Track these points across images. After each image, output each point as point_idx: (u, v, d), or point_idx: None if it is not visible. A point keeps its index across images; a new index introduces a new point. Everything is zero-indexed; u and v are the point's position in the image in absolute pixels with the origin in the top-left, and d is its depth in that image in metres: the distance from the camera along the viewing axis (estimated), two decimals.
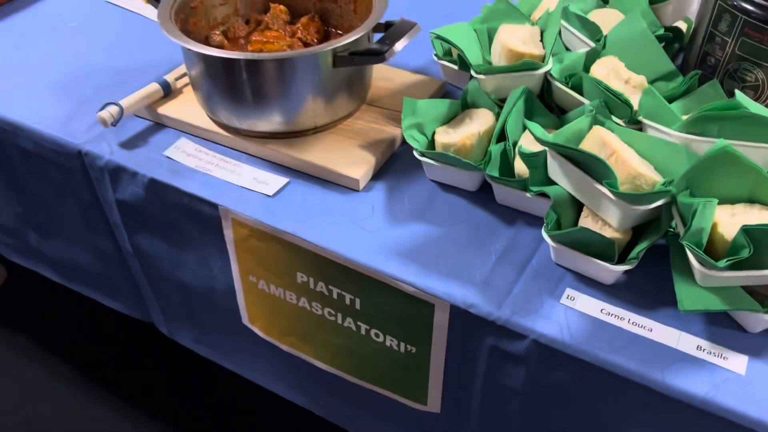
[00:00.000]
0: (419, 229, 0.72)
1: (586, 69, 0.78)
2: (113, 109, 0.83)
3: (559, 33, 0.85)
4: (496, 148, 0.72)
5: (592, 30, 0.81)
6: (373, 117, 0.84)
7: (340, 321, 0.77)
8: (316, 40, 0.88)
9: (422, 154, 0.76)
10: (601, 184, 0.61)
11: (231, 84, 0.77)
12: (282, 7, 0.91)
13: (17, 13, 1.11)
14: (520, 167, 0.71)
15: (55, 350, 1.50)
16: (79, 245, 1.01)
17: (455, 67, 0.88)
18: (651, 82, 0.76)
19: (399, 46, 0.74)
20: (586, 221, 0.66)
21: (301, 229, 0.73)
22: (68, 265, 1.07)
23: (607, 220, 0.64)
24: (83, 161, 0.85)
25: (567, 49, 0.86)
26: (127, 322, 1.08)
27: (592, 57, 0.78)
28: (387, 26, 0.79)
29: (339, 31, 0.92)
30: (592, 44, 0.80)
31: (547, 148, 0.66)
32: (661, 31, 0.83)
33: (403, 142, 0.83)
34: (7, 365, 1.45)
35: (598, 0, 0.89)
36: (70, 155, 0.86)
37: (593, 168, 0.62)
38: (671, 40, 0.86)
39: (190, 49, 0.74)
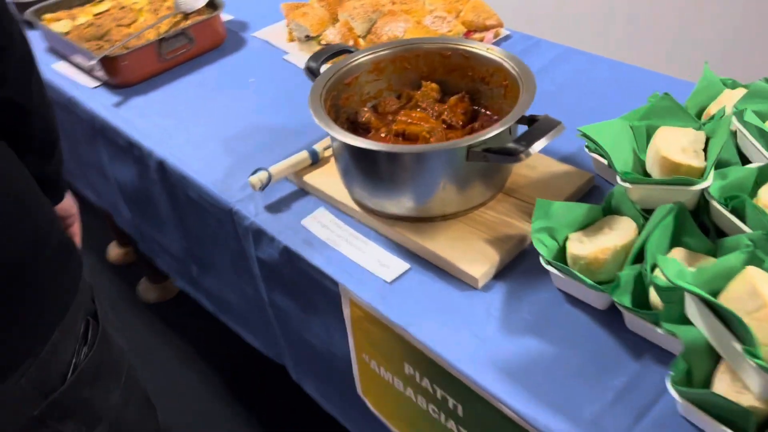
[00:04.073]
0: (533, 345, 0.68)
1: (756, 187, 0.68)
2: (263, 175, 0.88)
3: (734, 134, 0.76)
4: (628, 273, 0.65)
5: None
6: (506, 208, 0.81)
7: (443, 421, 0.75)
8: (461, 122, 0.87)
9: (548, 263, 0.71)
10: (741, 344, 0.53)
11: (366, 167, 0.78)
12: (434, 84, 0.91)
13: (207, 66, 1.24)
14: (655, 296, 0.64)
15: (207, 359, 1.65)
16: (229, 285, 1.09)
17: (606, 162, 0.81)
18: None
19: (537, 147, 0.70)
20: (723, 377, 0.57)
21: (412, 323, 0.72)
22: (220, 300, 1.16)
23: (747, 384, 0.55)
24: (233, 218, 0.92)
25: (741, 154, 0.75)
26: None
27: (765, 174, 0.68)
28: (531, 120, 0.76)
29: (488, 112, 0.90)
30: None
31: None
32: None
33: None
34: (170, 363, 1.63)
35: None
36: (224, 210, 0.93)
37: (733, 324, 0.54)
38: None
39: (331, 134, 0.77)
